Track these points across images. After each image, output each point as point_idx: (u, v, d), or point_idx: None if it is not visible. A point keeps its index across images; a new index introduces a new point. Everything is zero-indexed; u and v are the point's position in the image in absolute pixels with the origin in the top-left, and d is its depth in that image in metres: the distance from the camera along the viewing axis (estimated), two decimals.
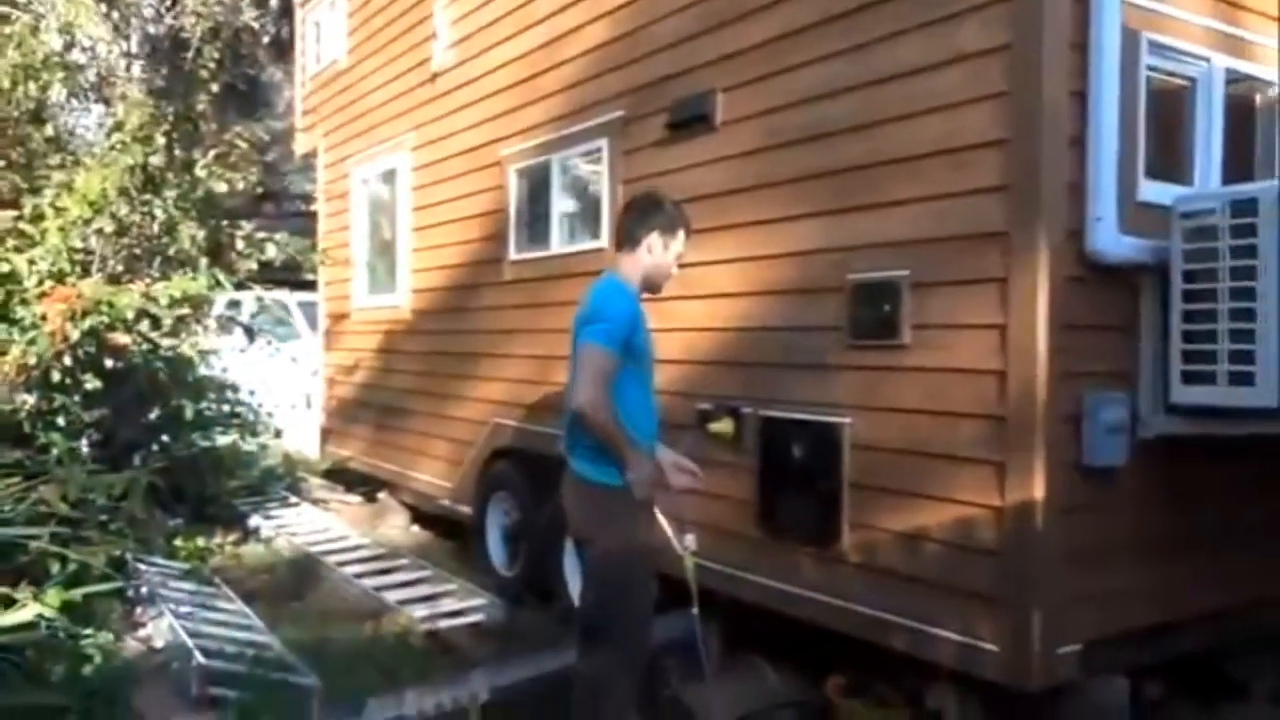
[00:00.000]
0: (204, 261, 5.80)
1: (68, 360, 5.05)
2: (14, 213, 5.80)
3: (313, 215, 9.24)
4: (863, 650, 3.58)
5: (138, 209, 5.70)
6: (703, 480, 3.36)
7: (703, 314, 4.27)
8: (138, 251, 5.83)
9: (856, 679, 3.77)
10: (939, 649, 3.25)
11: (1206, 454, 3.31)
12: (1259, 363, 2.82)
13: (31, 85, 6.34)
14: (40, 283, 5.51)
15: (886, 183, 3.46)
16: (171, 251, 5.89)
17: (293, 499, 7.72)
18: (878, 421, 3.47)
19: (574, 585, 4.87)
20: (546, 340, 5.19)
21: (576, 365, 3.07)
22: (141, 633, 4.47)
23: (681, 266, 3.39)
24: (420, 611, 5.02)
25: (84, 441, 5.18)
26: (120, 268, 5.73)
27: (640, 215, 3.28)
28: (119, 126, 6.00)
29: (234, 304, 7.97)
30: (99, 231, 5.64)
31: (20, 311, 5.44)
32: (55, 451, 4.88)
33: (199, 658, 3.85)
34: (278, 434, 7.73)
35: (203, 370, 6.96)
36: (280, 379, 9.34)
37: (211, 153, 6.29)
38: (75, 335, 5.03)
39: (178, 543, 5.88)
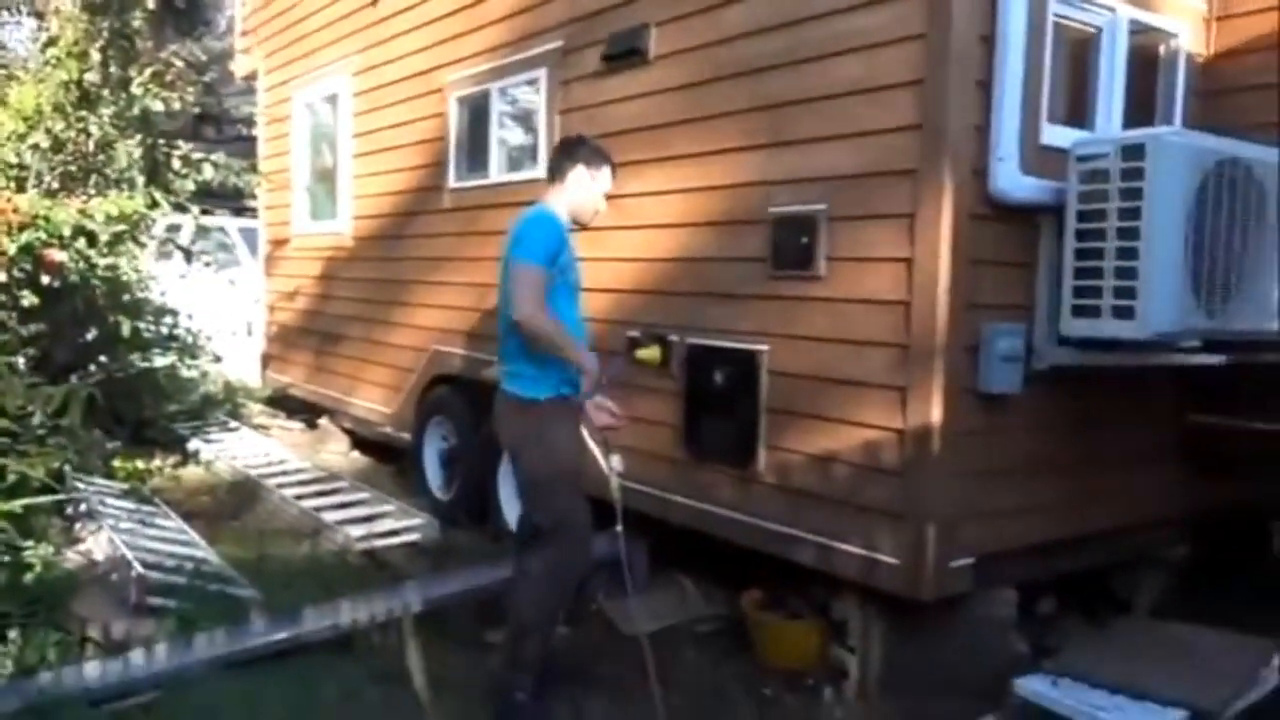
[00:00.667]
0: (141, 180, 5.76)
1: (2, 276, 5.02)
2: None
3: (254, 139, 9.11)
4: (778, 567, 3.80)
5: (73, 125, 5.63)
6: (623, 418, 3.52)
7: (634, 244, 4.39)
8: (74, 169, 5.76)
9: (771, 594, 3.99)
10: (844, 563, 3.48)
11: (1096, 384, 3.55)
12: (1139, 298, 3.03)
13: None
14: None
15: (809, 119, 3.59)
16: (109, 170, 5.83)
17: (233, 424, 7.77)
18: (793, 349, 3.65)
19: (508, 506, 5.05)
20: (486, 268, 5.23)
21: (511, 283, 3.23)
22: (81, 547, 4.56)
23: (614, 197, 3.53)
24: (357, 531, 5.15)
25: (20, 359, 5.17)
26: (56, 184, 5.66)
27: (566, 151, 3.48)
28: (53, 41, 5.90)
29: (174, 228, 7.91)
30: (34, 147, 5.57)
31: None
32: None
33: (138, 568, 3.96)
34: (216, 359, 7.74)
35: (141, 293, 6.95)
36: (221, 306, 9.30)
37: (148, 70, 6.18)
38: (11, 250, 5.00)
39: (116, 464, 5.93)
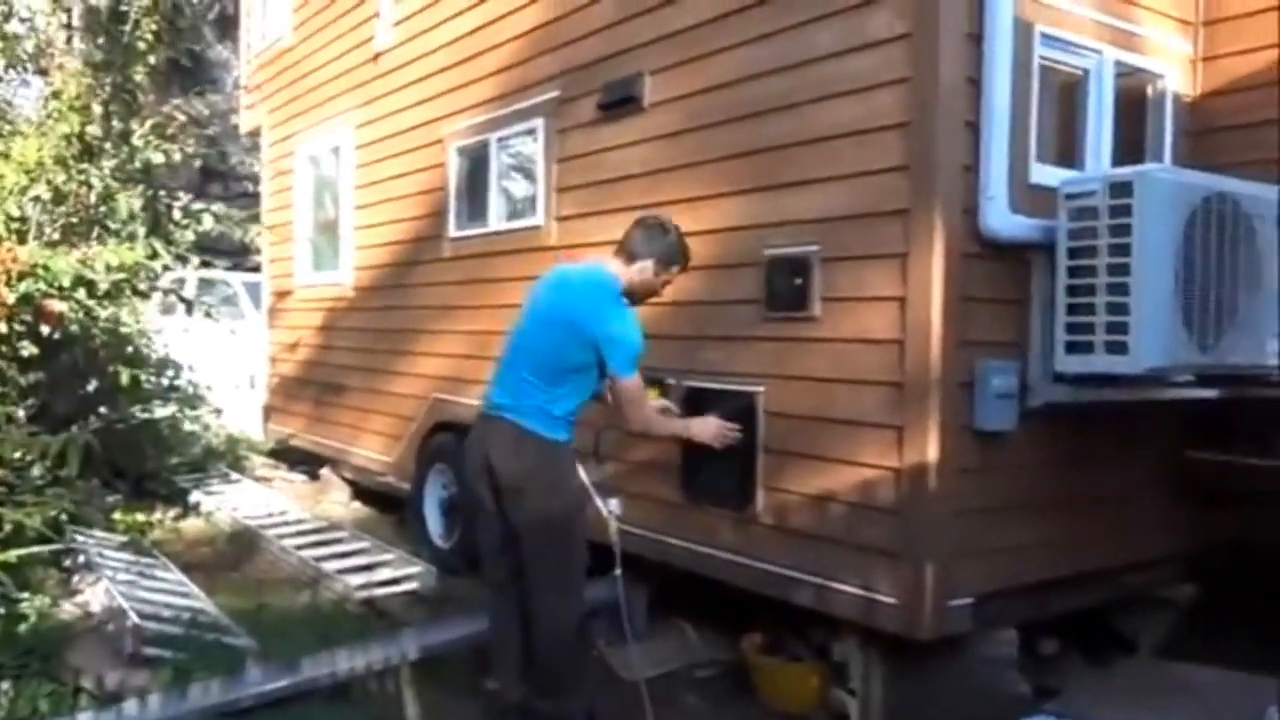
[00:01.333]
0: (141, 231, 5.82)
1: (2, 326, 5.04)
2: None
3: (260, 195, 9.24)
4: (778, 609, 3.77)
5: (74, 178, 5.71)
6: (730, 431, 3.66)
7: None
8: (74, 220, 5.82)
9: (771, 637, 3.95)
10: (843, 604, 3.45)
11: (1091, 420, 3.54)
12: (1131, 333, 3.04)
13: None
14: None
15: (802, 161, 3.63)
16: (111, 222, 5.89)
17: (234, 476, 7.76)
18: (789, 390, 3.65)
19: None
20: (485, 316, 5.31)
21: (621, 397, 3.34)
22: (78, 599, 4.53)
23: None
24: (356, 580, 5.12)
25: (19, 410, 5.18)
26: (57, 236, 5.72)
27: (647, 237, 3.46)
28: (56, 95, 6.00)
29: (179, 281, 7.98)
30: (36, 199, 5.63)
31: None
32: None
33: (133, 617, 3.93)
34: (217, 411, 7.75)
35: (143, 345, 6.98)
36: (225, 358, 9.34)
37: (148, 122, 6.28)
38: (11, 299, 5.03)
39: (117, 516, 5.92)
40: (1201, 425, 3.79)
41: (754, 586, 3.80)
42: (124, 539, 5.51)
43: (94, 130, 5.75)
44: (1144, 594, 4.06)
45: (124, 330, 6.25)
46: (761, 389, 3.75)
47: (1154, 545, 3.88)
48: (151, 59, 6.21)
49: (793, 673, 3.79)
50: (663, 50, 4.25)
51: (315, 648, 3.99)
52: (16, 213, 5.55)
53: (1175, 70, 3.90)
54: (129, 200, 5.73)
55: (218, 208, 6.74)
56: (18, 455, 4.33)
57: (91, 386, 6.18)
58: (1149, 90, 3.91)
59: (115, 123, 6.02)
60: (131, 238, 5.72)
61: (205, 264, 7.13)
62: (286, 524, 6.37)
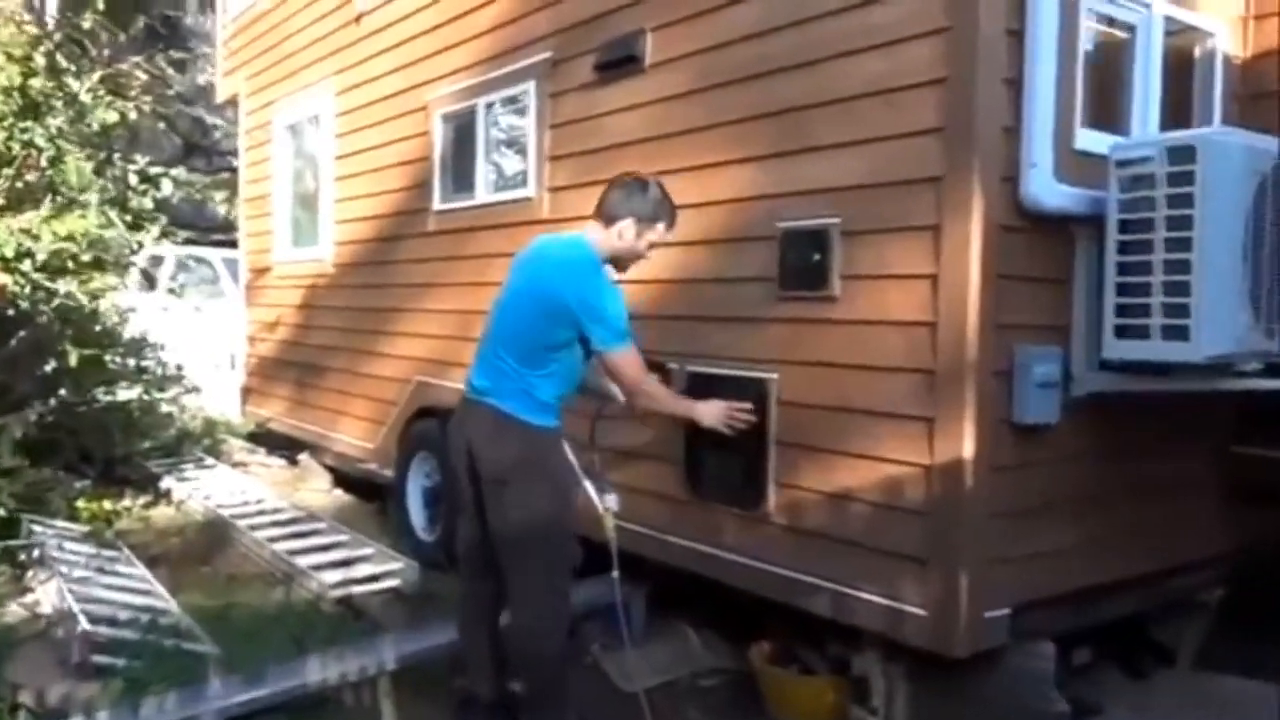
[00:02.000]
0: (95, 198, 5.38)
1: None
2: None
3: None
4: (790, 616, 3.47)
5: (17, 138, 5.26)
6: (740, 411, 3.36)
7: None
8: (20, 184, 5.36)
9: (782, 646, 3.67)
10: (864, 614, 3.14)
11: (1137, 411, 3.22)
12: (1193, 316, 2.72)
13: None
14: None
15: (820, 125, 3.29)
16: (61, 187, 5.45)
17: (209, 461, 7.44)
18: (806, 377, 3.33)
19: None
20: (472, 294, 4.97)
21: (615, 367, 3.10)
22: (28, 598, 4.21)
23: None
24: (333, 576, 4.80)
25: None
26: (2, 201, 5.27)
27: (624, 195, 3.21)
28: None
29: (156, 259, 7.62)
30: None
31: None
32: None
33: (83, 623, 3.60)
34: (193, 390, 7.41)
35: (112, 323, 6.63)
36: (203, 337, 9.02)
37: (97, 74, 5.82)
38: None
39: (80, 504, 5.59)
40: (1251, 417, 3.49)
41: (763, 591, 3.49)
42: (87, 529, 5.18)
43: (38, 84, 5.28)
44: (1184, 599, 3.76)
45: (84, 307, 5.84)
46: (774, 375, 3.42)
47: (1202, 547, 3.58)
48: (100, 3, 5.75)
49: (807, 687, 3.49)
50: (666, 4, 3.90)
51: (286, 652, 3.73)
52: None
53: (1225, 29, 3.56)
54: (78, 163, 5.30)
55: (177, 171, 6.29)
56: None
57: (50, 367, 5.80)
58: (1197, 50, 3.57)
59: (70, 81, 5.56)
60: (84, 206, 5.30)
61: (190, 241, 6.74)
62: (262, 513, 6.06)
